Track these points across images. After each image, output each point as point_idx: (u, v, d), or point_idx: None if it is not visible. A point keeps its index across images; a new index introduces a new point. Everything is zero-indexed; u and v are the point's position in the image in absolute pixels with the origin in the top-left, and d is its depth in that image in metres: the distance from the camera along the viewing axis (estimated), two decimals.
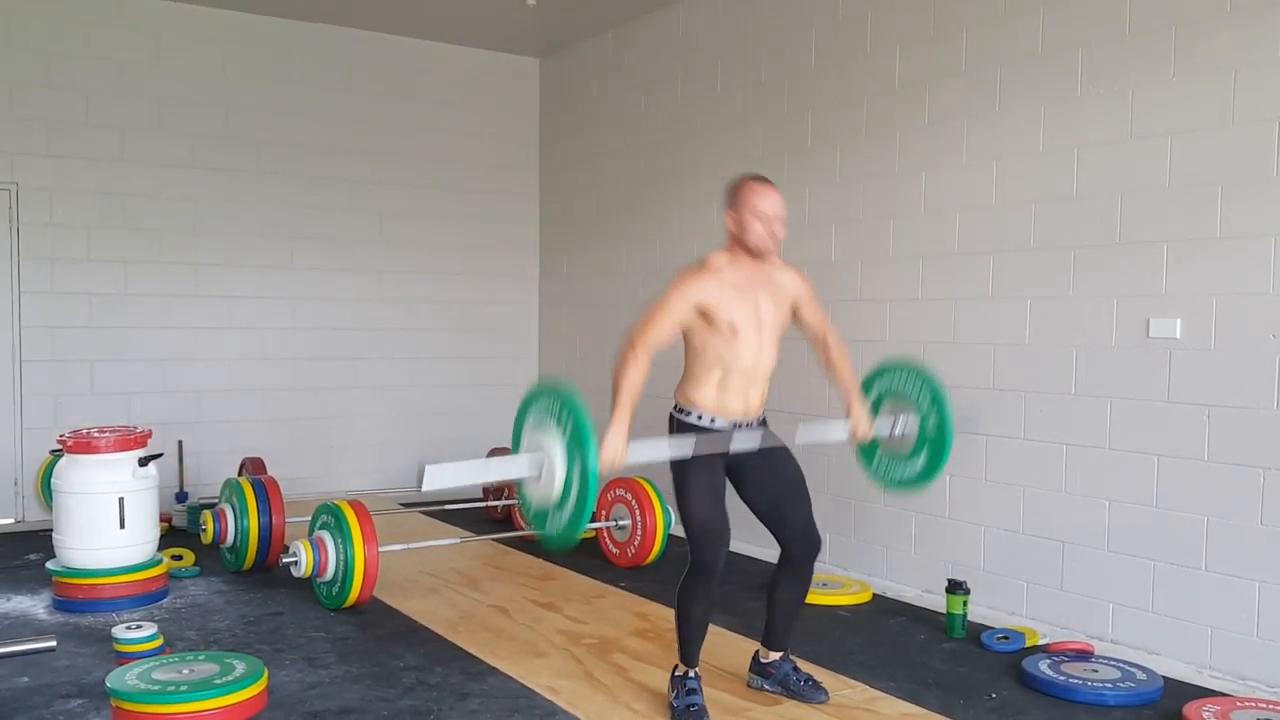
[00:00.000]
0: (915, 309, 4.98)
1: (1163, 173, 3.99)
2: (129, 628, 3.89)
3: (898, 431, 3.72)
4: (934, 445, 3.67)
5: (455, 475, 2.99)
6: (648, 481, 5.51)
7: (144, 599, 4.66)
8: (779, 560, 3.55)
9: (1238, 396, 3.77)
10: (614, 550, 5.57)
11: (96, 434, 4.75)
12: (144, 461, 4.75)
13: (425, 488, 2.91)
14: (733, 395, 3.39)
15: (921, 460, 3.71)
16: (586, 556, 5.66)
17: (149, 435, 4.87)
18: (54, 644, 3.50)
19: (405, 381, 7.55)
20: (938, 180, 4.87)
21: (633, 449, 3.20)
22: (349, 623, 4.42)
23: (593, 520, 5.76)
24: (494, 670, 3.84)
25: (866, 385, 3.87)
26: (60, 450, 4.79)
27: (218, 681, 3.35)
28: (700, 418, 3.39)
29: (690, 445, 3.30)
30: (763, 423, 3.49)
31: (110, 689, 3.31)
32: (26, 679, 3.69)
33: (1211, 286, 3.85)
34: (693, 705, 3.35)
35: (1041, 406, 4.42)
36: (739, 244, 3.39)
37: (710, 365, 3.36)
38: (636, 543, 5.39)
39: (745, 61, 6.00)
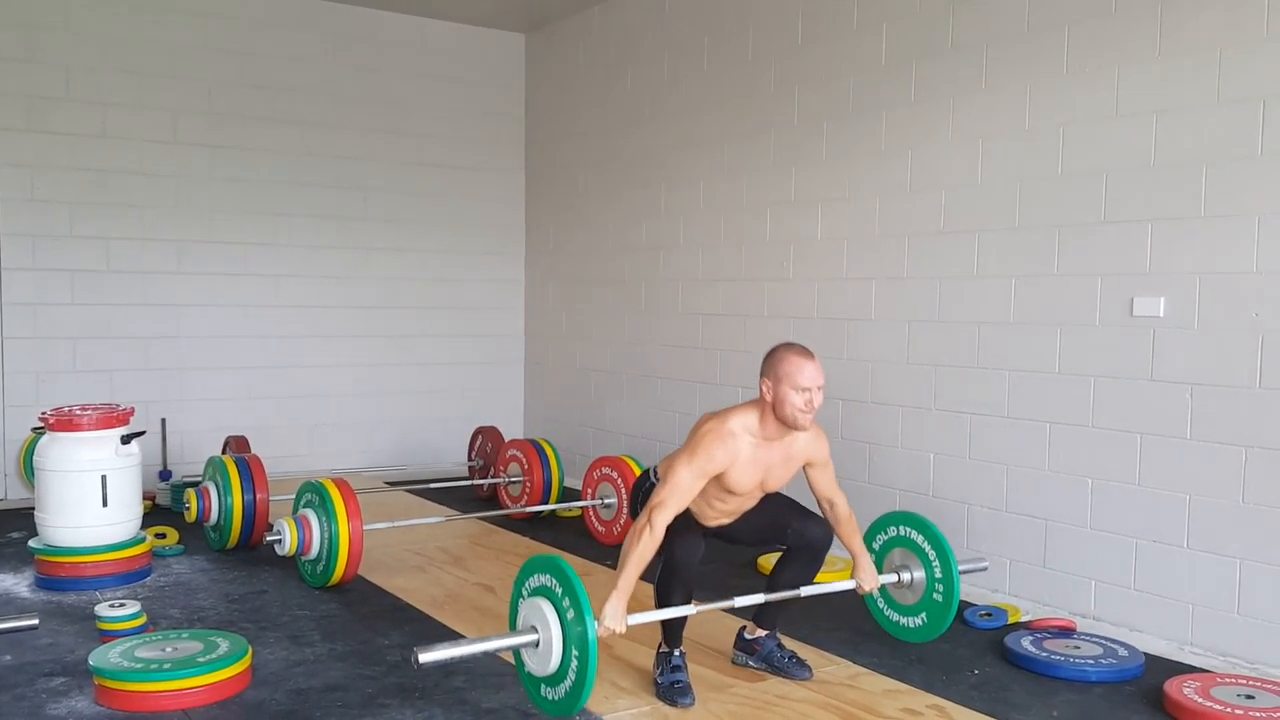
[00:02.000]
0: (901, 287, 4.98)
1: (1148, 152, 3.99)
2: (112, 606, 3.89)
3: (904, 580, 3.83)
4: (938, 608, 3.76)
5: (450, 652, 3.00)
6: (634, 460, 5.51)
7: (127, 577, 4.65)
8: (792, 547, 3.58)
9: (1221, 375, 3.79)
10: (600, 529, 5.57)
11: (79, 412, 4.72)
12: (126, 439, 4.72)
13: (422, 661, 2.92)
14: (708, 520, 3.56)
15: (923, 618, 3.82)
16: (572, 535, 5.67)
17: (131, 413, 4.84)
18: (36, 622, 3.51)
19: (390, 359, 7.52)
20: (923, 159, 4.86)
21: (632, 619, 3.21)
22: (333, 601, 4.42)
23: (578, 498, 5.76)
24: None
25: (877, 529, 3.95)
26: (42, 428, 4.76)
27: (201, 660, 3.35)
28: None
29: (691, 608, 3.38)
30: None
31: (93, 667, 3.31)
32: (9, 657, 3.68)
33: (1195, 265, 3.86)
34: (677, 682, 3.37)
35: (1025, 385, 4.44)
36: (771, 412, 3.33)
37: (695, 499, 3.41)
38: (622, 521, 5.39)
39: (731, 38, 5.97)
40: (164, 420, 6.57)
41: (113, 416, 4.71)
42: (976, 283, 4.63)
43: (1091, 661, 3.64)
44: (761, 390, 3.34)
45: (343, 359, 7.35)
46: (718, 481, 3.37)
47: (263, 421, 6.95)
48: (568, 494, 6.23)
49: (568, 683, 3.02)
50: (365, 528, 4.56)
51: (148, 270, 6.66)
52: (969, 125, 4.65)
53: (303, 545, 4.55)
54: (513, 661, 3.28)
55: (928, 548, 3.79)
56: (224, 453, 6.24)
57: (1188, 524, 3.90)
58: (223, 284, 6.90)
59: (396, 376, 7.55)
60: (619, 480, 5.43)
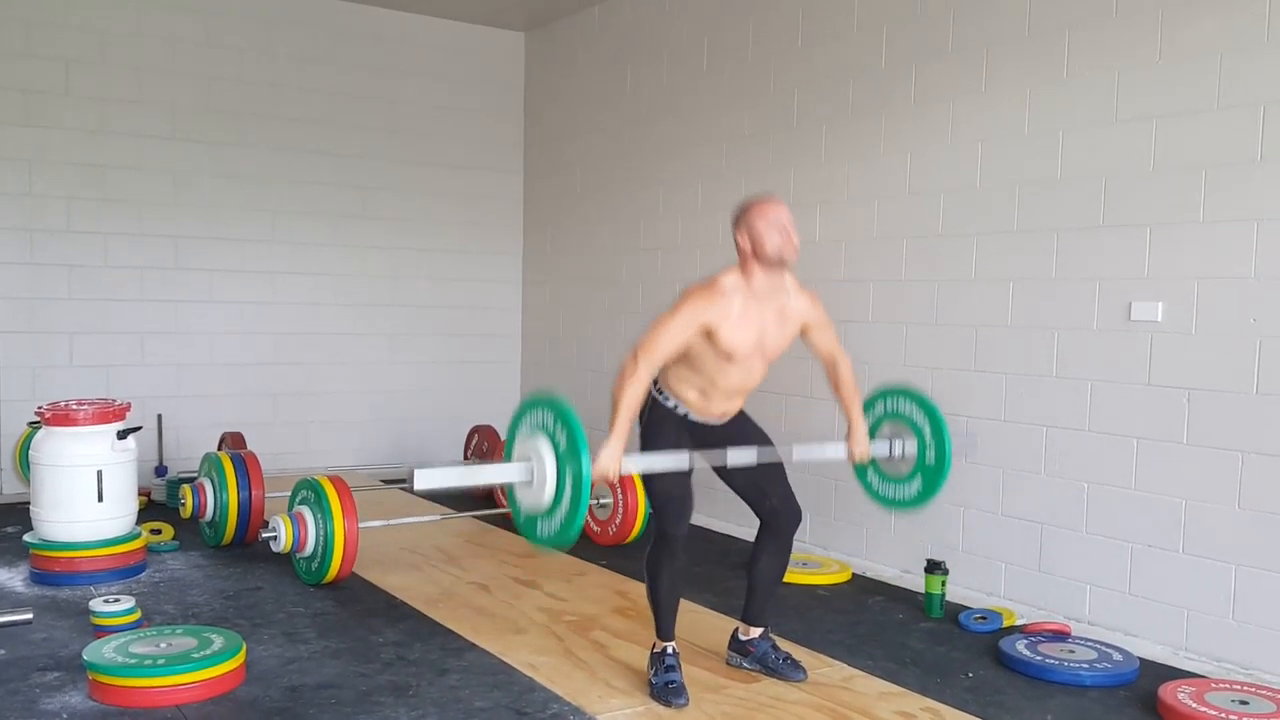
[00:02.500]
0: (898, 290, 4.98)
1: (1147, 156, 3.99)
2: (106, 601, 3.88)
3: (896, 454, 3.79)
4: (931, 471, 3.74)
5: (445, 478, 3.04)
6: None
7: (122, 573, 4.64)
8: (759, 534, 3.58)
9: (1218, 380, 3.79)
10: (595, 528, 5.57)
11: (75, 407, 4.71)
12: (122, 435, 4.72)
13: (416, 488, 2.94)
14: (714, 403, 3.46)
15: (917, 484, 3.78)
16: None
17: (128, 408, 4.83)
18: (31, 617, 3.48)
19: (387, 357, 7.52)
20: (922, 161, 4.86)
21: (628, 461, 3.23)
22: (328, 598, 4.41)
23: None
24: (473, 646, 3.84)
25: (867, 406, 3.91)
26: (38, 423, 4.75)
27: (195, 655, 3.34)
28: (677, 407, 3.45)
29: (686, 459, 3.34)
30: (739, 413, 3.54)
31: (87, 662, 3.30)
32: (3, 651, 3.67)
33: (1194, 270, 3.86)
34: (671, 682, 3.36)
35: (1022, 388, 4.44)
36: (754, 260, 3.31)
37: (697, 373, 3.39)
38: (618, 521, 5.39)
39: (731, 38, 5.97)
40: (160, 416, 6.56)
41: (109, 412, 4.70)
42: (974, 286, 4.64)
43: (1086, 666, 3.64)
44: (738, 244, 3.32)
45: (339, 356, 7.34)
46: (714, 348, 3.29)
47: (259, 418, 6.94)
48: None
49: (560, 516, 3.02)
50: (360, 525, 4.55)
51: (145, 266, 6.65)
52: (968, 128, 4.65)
53: (298, 542, 4.54)
54: (505, 656, 3.28)
55: (920, 419, 3.75)
56: (220, 449, 6.23)
57: (1183, 529, 3.90)
58: (220, 280, 6.89)
59: (393, 374, 7.55)
60: (614, 481, 5.42)
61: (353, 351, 7.39)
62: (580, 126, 7.32)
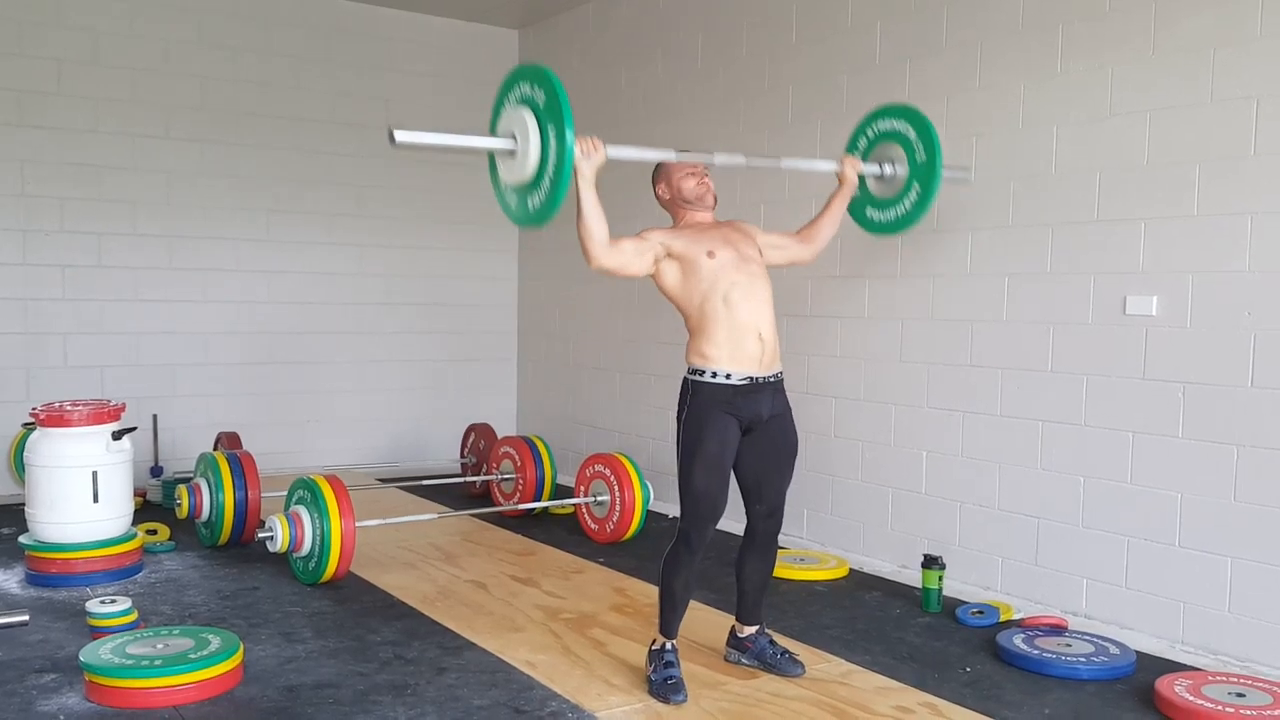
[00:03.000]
0: (893, 285, 4.98)
1: (1141, 150, 4.00)
2: (103, 602, 3.87)
3: (887, 172, 3.74)
4: (922, 183, 3.68)
5: (427, 139, 3.03)
6: (626, 457, 5.50)
7: (118, 573, 4.63)
8: (745, 537, 3.60)
9: (1213, 374, 3.79)
10: (593, 526, 5.57)
11: (69, 407, 4.70)
12: (117, 435, 4.71)
13: (398, 141, 2.96)
14: (745, 329, 3.36)
15: (908, 201, 3.72)
16: (565, 532, 5.66)
17: (123, 409, 4.82)
18: (27, 618, 3.48)
19: (383, 356, 7.51)
20: None
21: (612, 150, 3.24)
22: (325, 598, 4.41)
23: (571, 496, 5.76)
24: (471, 645, 3.84)
25: (859, 130, 3.90)
26: (33, 423, 4.74)
27: (192, 656, 3.34)
28: (715, 374, 3.36)
29: (672, 154, 3.47)
30: (780, 381, 3.49)
31: (84, 663, 3.30)
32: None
33: (1188, 264, 3.86)
34: (670, 678, 3.36)
35: (1018, 383, 4.44)
36: (679, 206, 3.51)
37: (715, 303, 3.37)
38: (615, 518, 5.39)
39: (726, 35, 5.97)
40: (155, 416, 6.55)
41: (104, 412, 4.69)
42: (969, 281, 4.64)
43: (1083, 659, 3.65)
44: (659, 196, 3.53)
45: (335, 355, 7.33)
46: (694, 266, 3.38)
47: (255, 418, 6.93)
48: (560, 491, 6.22)
49: (542, 190, 3.06)
50: (357, 525, 4.55)
51: (139, 266, 6.63)
52: (962, 123, 4.65)
53: (295, 542, 4.54)
54: (503, 654, 3.27)
55: (916, 141, 3.74)
56: (215, 449, 6.22)
57: (1179, 522, 3.90)
58: (214, 280, 6.88)
59: (389, 373, 7.54)
60: (612, 478, 5.42)
61: (348, 350, 7.38)
62: (575, 123, 7.28)
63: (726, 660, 3.70)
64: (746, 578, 3.60)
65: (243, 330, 6.98)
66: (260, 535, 4.63)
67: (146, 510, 5.91)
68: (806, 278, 5.44)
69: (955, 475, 4.71)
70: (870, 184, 3.84)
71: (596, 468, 5.57)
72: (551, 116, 3.00)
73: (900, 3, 4.92)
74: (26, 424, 5.61)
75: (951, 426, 4.69)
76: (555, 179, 3.00)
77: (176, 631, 3.61)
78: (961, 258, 4.66)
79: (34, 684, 3.41)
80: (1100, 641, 3.83)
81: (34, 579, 4.57)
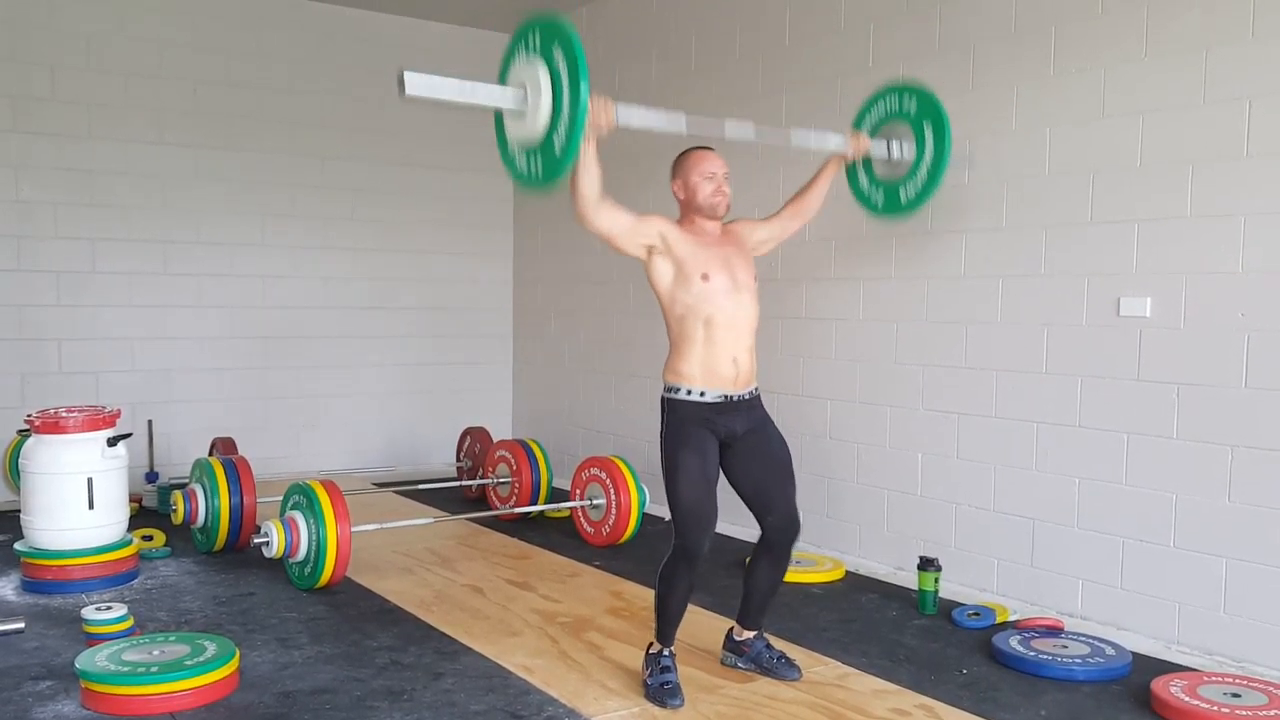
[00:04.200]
0: (888, 288, 4.99)
1: (1134, 152, 4.01)
2: (99, 609, 3.86)
3: (894, 155, 3.67)
4: (927, 174, 3.62)
5: (437, 86, 2.85)
6: (623, 460, 5.50)
7: (114, 580, 4.62)
8: (758, 542, 3.57)
9: (1207, 375, 3.80)
10: (589, 529, 5.57)
11: (64, 414, 4.69)
12: (113, 441, 4.70)
13: (407, 91, 2.81)
14: (720, 354, 3.38)
15: (913, 188, 3.66)
16: (561, 535, 5.66)
17: (118, 415, 4.81)
18: (23, 626, 3.49)
19: (378, 360, 7.50)
20: None
21: (624, 111, 3.13)
22: (322, 603, 4.41)
23: (567, 499, 5.76)
24: (468, 650, 3.83)
25: (867, 106, 3.86)
26: (28, 430, 4.73)
27: (189, 663, 3.33)
28: (690, 392, 3.39)
29: (681, 121, 3.34)
30: (756, 398, 3.50)
31: (80, 670, 3.29)
32: None
33: (1182, 265, 3.87)
34: (667, 683, 3.36)
35: (1012, 385, 4.45)
36: (690, 210, 3.45)
37: (693, 325, 3.38)
38: (611, 522, 5.39)
39: (719, 39, 5.97)
40: (150, 422, 6.54)
41: (98, 419, 4.69)
42: (963, 282, 4.65)
43: (1079, 661, 3.65)
44: (674, 193, 3.46)
45: (330, 360, 7.32)
46: (684, 275, 3.36)
47: (250, 423, 6.93)
48: (556, 494, 6.22)
49: (548, 155, 2.89)
50: (353, 529, 4.55)
51: (133, 271, 6.63)
52: (955, 125, 4.60)
53: (290, 547, 4.53)
54: (500, 659, 3.27)
55: (922, 118, 3.68)
56: (211, 454, 6.21)
57: (1174, 523, 3.91)
58: (209, 285, 6.88)
59: (384, 377, 7.54)
60: (608, 481, 5.42)
61: (343, 354, 7.38)
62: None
63: (723, 664, 3.70)
64: (756, 584, 3.59)
65: (238, 335, 6.97)
66: (256, 541, 4.63)
67: (142, 516, 5.90)
68: (801, 280, 5.45)
69: (950, 477, 4.71)
70: (876, 165, 3.76)
71: (592, 471, 5.57)
72: (568, 72, 2.83)
73: (893, 5, 4.93)
74: (21, 430, 5.60)
75: (946, 428, 4.70)
76: (567, 140, 2.83)
77: (172, 638, 3.61)
78: (955, 259, 4.67)
79: (30, 691, 3.40)
80: (1096, 643, 3.84)
81: (30, 586, 4.56)
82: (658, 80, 6.44)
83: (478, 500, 6.52)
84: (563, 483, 6.42)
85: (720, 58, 5.96)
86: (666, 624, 3.43)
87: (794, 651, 3.75)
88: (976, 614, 4.20)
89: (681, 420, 3.39)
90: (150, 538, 5.32)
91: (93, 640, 3.74)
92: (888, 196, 3.80)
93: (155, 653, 3.43)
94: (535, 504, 5.89)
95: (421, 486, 6.53)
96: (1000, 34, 4.46)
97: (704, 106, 6.07)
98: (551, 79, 2.87)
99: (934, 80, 4.71)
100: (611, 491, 5.39)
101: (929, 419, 4.80)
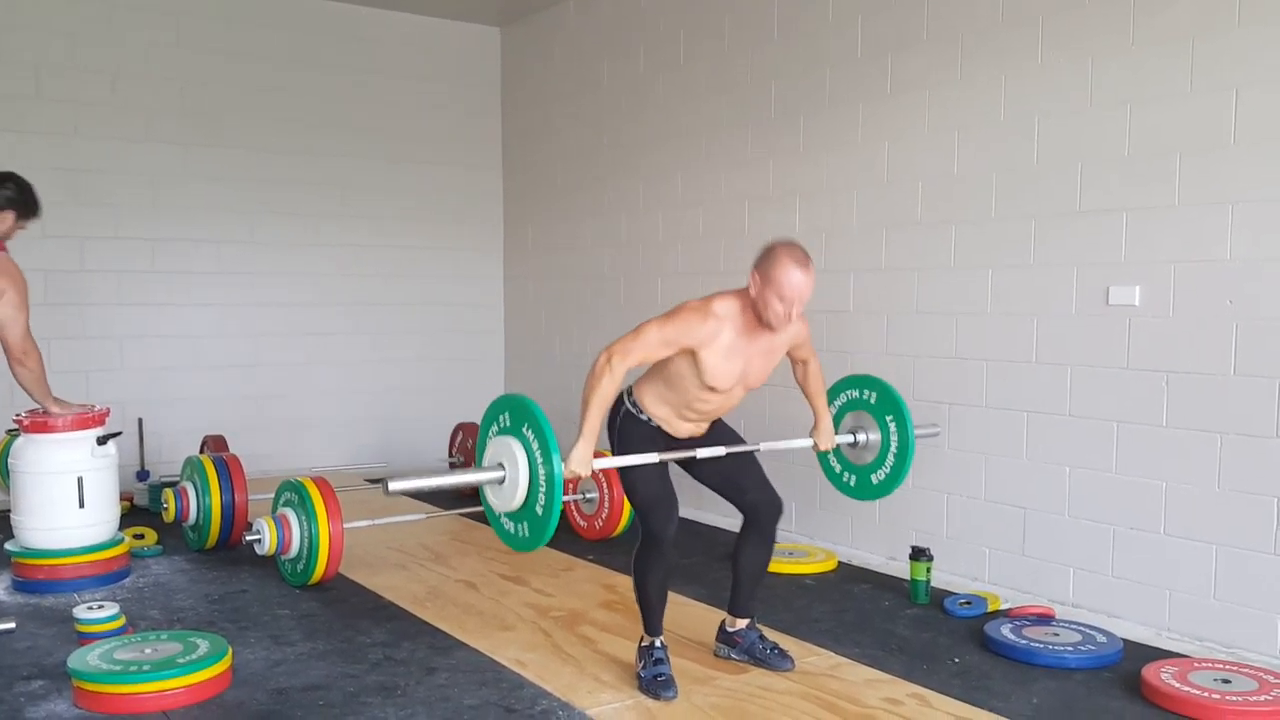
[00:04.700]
0: (878, 279, 4.99)
1: (1122, 141, 4.01)
2: (90, 608, 3.85)
3: (859, 441, 3.89)
4: (895, 460, 3.82)
5: (418, 484, 3.07)
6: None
7: (105, 579, 4.61)
8: (742, 526, 3.59)
9: (1196, 363, 3.81)
10: (582, 523, 5.57)
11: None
12: (102, 440, 4.69)
13: (391, 490, 2.98)
14: (687, 425, 3.47)
15: (882, 473, 3.87)
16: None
17: (107, 413, 4.81)
18: (14, 625, 3.47)
19: (370, 356, 7.49)
20: (900, 150, 4.87)
21: (599, 460, 3.26)
22: (314, 600, 4.40)
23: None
24: (461, 644, 3.83)
25: (831, 395, 3.98)
26: (17, 430, 4.72)
27: (181, 660, 3.33)
28: (650, 421, 3.45)
29: (655, 457, 3.35)
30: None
31: (71, 670, 3.28)
32: None
33: (1170, 254, 3.88)
34: (660, 675, 3.37)
35: (1003, 375, 4.46)
36: (754, 306, 3.25)
37: (674, 393, 3.39)
38: (604, 515, 5.39)
39: (708, 30, 5.96)
40: (141, 420, 6.52)
41: (88, 418, 4.68)
42: (953, 273, 4.65)
43: (1070, 648, 3.67)
44: (751, 284, 3.23)
45: (321, 357, 7.31)
46: (697, 373, 3.27)
47: (241, 420, 6.91)
48: None
49: (533, 520, 3.05)
50: (346, 526, 4.54)
51: (123, 269, 6.60)
52: (945, 116, 4.66)
53: (282, 544, 4.53)
54: (494, 653, 3.27)
55: (884, 407, 3.83)
56: (202, 452, 6.20)
57: (1164, 511, 3.93)
58: (199, 282, 6.85)
59: (376, 374, 7.52)
60: (601, 475, 5.42)
61: (334, 351, 7.36)
62: (558, 120, 7.30)
63: (716, 655, 3.70)
64: (742, 566, 3.60)
65: (228, 332, 6.96)
66: (248, 538, 4.62)
67: (133, 515, 5.89)
68: None
69: (942, 467, 4.72)
70: (844, 450, 3.97)
71: None
72: (541, 459, 3.03)
73: None
74: (11, 430, 5.57)
75: (938, 419, 4.70)
76: (545, 510, 3.02)
77: (165, 636, 3.60)
78: (945, 250, 4.68)
79: (22, 691, 3.39)
80: (1087, 630, 3.85)
81: (20, 585, 4.55)
82: (646, 71, 6.44)
83: (471, 496, 6.51)
84: None
85: (708, 49, 5.96)
86: (649, 612, 3.44)
87: (787, 642, 3.76)
88: (968, 603, 4.21)
89: (632, 426, 3.45)
90: (142, 536, 5.31)
91: (85, 639, 3.73)
92: (859, 480, 3.97)
93: (147, 651, 3.43)
94: None
95: None
96: (987, 24, 4.46)
97: (693, 97, 6.07)
98: (526, 454, 3.07)
99: (921, 70, 4.73)
100: (604, 485, 5.39)
101: (920, 410, 4.79)
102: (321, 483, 4.60)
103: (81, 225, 6.47)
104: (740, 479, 3.53)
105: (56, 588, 4.50)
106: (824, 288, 5.22)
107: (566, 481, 3.10)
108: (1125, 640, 3.79)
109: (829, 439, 3.81)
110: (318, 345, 7.29)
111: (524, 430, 3.08)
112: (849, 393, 3.97)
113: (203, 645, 3.47)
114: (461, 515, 5.92)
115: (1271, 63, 3.59)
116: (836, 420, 3.95)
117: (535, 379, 7.67)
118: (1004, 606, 4.25)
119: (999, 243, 4.45)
